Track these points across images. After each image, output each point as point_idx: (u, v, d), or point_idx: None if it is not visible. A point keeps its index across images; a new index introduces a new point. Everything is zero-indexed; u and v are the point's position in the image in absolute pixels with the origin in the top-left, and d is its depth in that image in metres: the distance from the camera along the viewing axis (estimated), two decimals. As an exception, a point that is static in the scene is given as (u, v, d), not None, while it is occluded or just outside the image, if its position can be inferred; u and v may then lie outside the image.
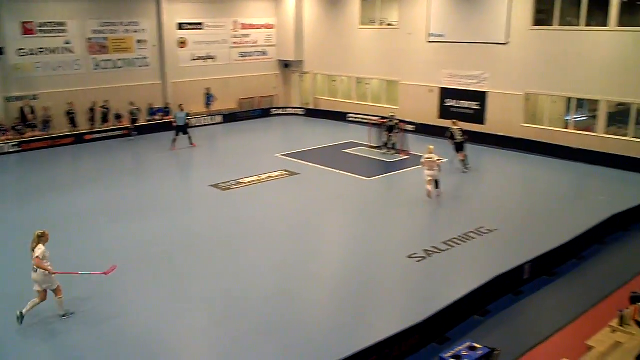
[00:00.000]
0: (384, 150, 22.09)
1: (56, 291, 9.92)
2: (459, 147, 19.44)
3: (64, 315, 10.03)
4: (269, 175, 18.99)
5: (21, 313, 9.71)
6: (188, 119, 23.78)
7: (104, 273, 10.68)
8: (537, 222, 14.71)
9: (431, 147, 16.27)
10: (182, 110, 23.65)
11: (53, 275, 9.79)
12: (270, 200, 16.81)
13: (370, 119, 24.82)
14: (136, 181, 19.15)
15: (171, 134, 23.41)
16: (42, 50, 24.82)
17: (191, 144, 23.43)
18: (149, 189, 18.01)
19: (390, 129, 22.16)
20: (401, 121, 22.91)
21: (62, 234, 13.99)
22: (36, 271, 9.66)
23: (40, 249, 9.65)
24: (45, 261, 9.67)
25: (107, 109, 25.63)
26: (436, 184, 16.34)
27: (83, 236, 13.93)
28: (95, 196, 17.10)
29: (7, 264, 12.37)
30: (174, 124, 23.60)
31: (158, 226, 14.56)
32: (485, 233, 13.72)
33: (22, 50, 24.35)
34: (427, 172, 16.17)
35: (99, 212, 15.68)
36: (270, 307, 10.47)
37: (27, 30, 24.38)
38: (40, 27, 24.68)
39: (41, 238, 9.78)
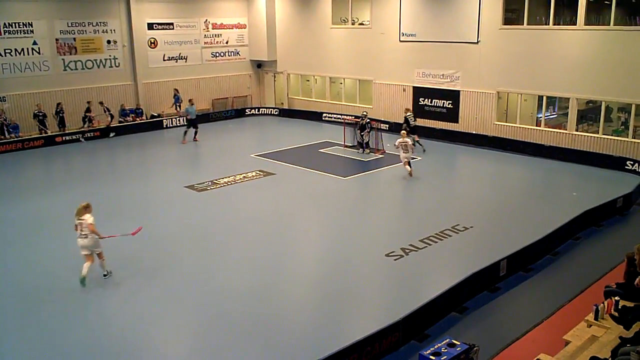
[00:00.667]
0: (360, 150, 22.11)
1: (100, 254, 11.24)
2: (413, 131, 21.68)
3: (105, 275, 11.39)
4: (244, 176, 18.86)
5: (83, 277, 10.88)
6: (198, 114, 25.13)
7: (132, 234, 11.88)
8: (512, 219, 14.88)
9: (404, 132, 19.34)
10: (192, 104, 24.59)
11: (100, 240, 10.99)
12: (246, 200, 16.68)
13: (344, 118, 24.85)
14: (108, 183, 18.77)
15: (143, 135, 23.13)
16: (8, 51, 24.27)
17: (195, 139, 24.33)
18: (122, 191, 17.70)
19: (363, 128, 22.21)
20: (374, 120, 22.95)
21: (32, 237, 13.80)
22: (87, 237, 10.92)
23: (92, 217, 10.93)
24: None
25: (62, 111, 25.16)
26: (409, 164, 18.54)
27: (53, 239, 13.66)
28: (66, 199, 16.76)
29: None
30: (187, 118, 24.60)
31: (133, 226, 14.30)
32: (461, 230, 13.82)
33: (-13, 52, 23.81)
34: (402, 155, 18.52)
35: (68, 215, 15.38)
36: (249, 307, 10.38)
37: (-8, 31, 23.84)
38: (6, 27, 24.11)
39: (87, 209, 11.04)
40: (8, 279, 11.78)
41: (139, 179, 19.35)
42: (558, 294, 10.68)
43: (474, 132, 23.29)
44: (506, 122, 23.21)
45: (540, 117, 22.39)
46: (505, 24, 22.49)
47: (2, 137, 23.41)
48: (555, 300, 10.40)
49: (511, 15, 22.63)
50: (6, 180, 19.36)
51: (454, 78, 24.29)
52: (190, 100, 24.90)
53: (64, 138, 24.48)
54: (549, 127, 22.08)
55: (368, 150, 22.00)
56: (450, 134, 23.85)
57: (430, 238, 13.33)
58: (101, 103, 25.67)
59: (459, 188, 18.39)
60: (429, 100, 25.32)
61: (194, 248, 13.22)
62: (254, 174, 19.15)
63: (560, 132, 21.55)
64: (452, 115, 24.54)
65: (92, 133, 25.25)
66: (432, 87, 25.08)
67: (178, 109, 28.51)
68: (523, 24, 22.01)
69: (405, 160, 18.51)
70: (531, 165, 20.29)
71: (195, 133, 24.39)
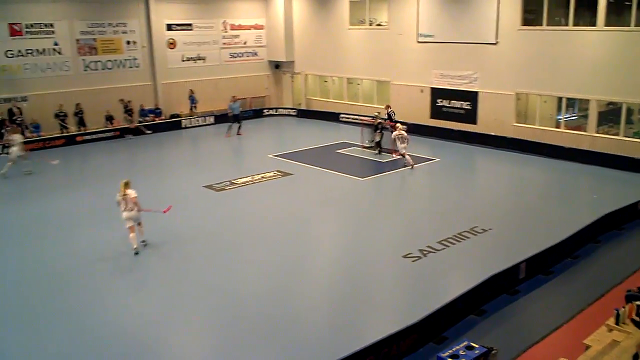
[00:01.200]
0: (376, 151, 22.09)
1: (140, 224, 12.90)
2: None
3: (143, 241, 13.00)
4: (262, 176, 18.93)
5: (136, 248, 12.59)
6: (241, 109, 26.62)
7: (163, 211, 13.32)
8: (531, 221, 14.76)
9: (399, 125, 20.33)
10: (234, 101, 26.09)
11: (140, 212, 12.66)
12: (264, 201, 16.74)
13: (361, 119, 24.84)
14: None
15: (162, 135, 23.31)
16: (30, 51, 24.63)
17: (239, 133, 25.77)
18: (141, 190, 17.76)
19: (375, 129, 22.19)
20: (386, 119, 22.95)
21: (63, 232, 14.05)
22: (132, 210, 12.50)
23: (134, 192, 12.58)
24: None
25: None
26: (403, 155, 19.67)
27: (78, 235, 13.93)
28: (86, 196, 17.06)
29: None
30: (229, 114, 25.94)
31: (153, 227, 14.47)
32: (479, 232, 13.74)
33: (10, 52, 24.15)
34: (401, 146, 19.57)
35: (87, 213, 15.64)
36: (266, 308, 10.42)
37: (14, 32, 24.20)
38: (28, 28, 24.48)
39: (128, 185, 12.63)
40: (42, 268, 12.08)
41: (159, 177, 19.49)
42: (578, 298, 10.59)
43: (492, 134, 23.13)
44: (525, 123, 23.03)
45: (560, 119, 22.18)
46: (524, 25, 22.31)
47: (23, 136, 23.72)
48: (576, 304, 10.31)
49: (530, 16, 22.44)
50: (30, 178, 19.65)
51: (472, 79, 24.16)
52: (233, 97, 26.27)
53: (84, 137, 24.75)
54: (568, 129, 21.87)
55: (380, 151, 21.95)
56: (468, 135, 23.70)
57: (449, 240, 13.27)
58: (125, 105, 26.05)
59: (477, 190, 18.30)
60: (447, 101, 25.22)
61: (211, 248, 13.31)
62: (271, 174, 19.22)
63: (580, 134, 21.32)
64: (470, 116, 24.41)
65: (113, 132, 25.56)
66: (450, 88, 24.97)
67: (193, 109, 28.68)
68: (542, 25, 21.83)
69: (404, 152, 19.49)
70: (551, 167, 20.10)
71: (239, 128, 25.78)
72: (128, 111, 26.18)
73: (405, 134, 19.85)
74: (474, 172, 21.09)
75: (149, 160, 22.62)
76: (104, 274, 11.93)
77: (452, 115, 25.01)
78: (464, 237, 13.45)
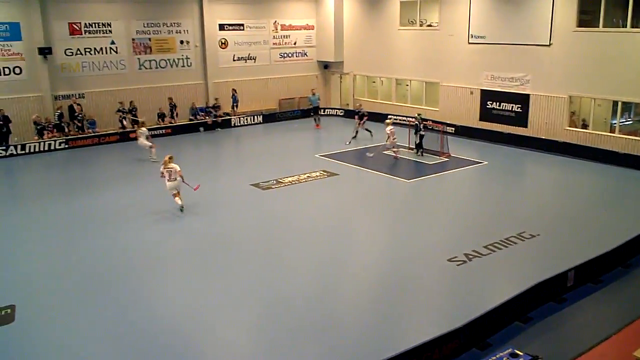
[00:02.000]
0: (417, 152, 22.00)
1: (179, 192, 15.49)
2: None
3: (182, 207, 15.49)
4: (308, 176, 19.10)
5: (182, 206, 15.45)
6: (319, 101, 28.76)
7: (194, 189, 15.66)
8: (582, 228, 14.41)
9: (389, 120, 21.88)
10: (314, 94, 28.45)
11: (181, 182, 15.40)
12: (309, 200, 16.90)
13: (409, 121, 24.71)
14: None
15: (213, 133, 23.70)
16: (88, 50, 25.54)
17: (317, 125, 27.40)
18: (188, 189, 18.21)
19: (416, 129, 22.06)
20: (439, 123, 22.74)
21: (108, 226, 14.52)
22: (175, 180, 15.22)
23: (178, 166, 15.31)
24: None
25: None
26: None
27: (128, 230, 14.38)
28: (135, 191, 17.61)
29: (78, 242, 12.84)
30: (309, 106, 28.47)
31: (200, 224, 14.86)
32: (527, 238, 13.51)
33: (69, 50, 25.12)
34: (393, 140, 21.02)
35: (137, 208, 16.15)
36: (308, 308, 10.52)
37: (74, 31, 25.16)
38: (86, 27, 25.39)
39: (172, 159, 15.37)
40: (95, 260, 12.51)
41: (207, 174, 19.87)
42: (629, 308, 10.31)
43: (543, 137, 22.65)
44: (578, 127, 22.46)
45: (615, 123, 21.53)
46: (579, 26, 21.76)
47: (81, 132, 24.65)
48: (626, 315, 10.03)
49: (586, 17, 21.86)
50: (87, 173, 20.46)
51: (524, 81, 23.72)
52: (312, 90, 28.80)
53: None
54: (623, 134, 21.21)
55: (421, 152, 21.82)
56: (519, 138, 23.27)
57: (495, 244, 13.10)
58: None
59: (526, 194, 17.96)
60: (497, 103, 24.83)
61: (254, 246, 13.51)
62: (317, 174, 19.36)
63: (635, 139, 20.65)
64: (521, 119, 23.97)
65: (164, 130, 26.20)
66: (500, 91, 24.58)
67: (235, 108, 29.07)
68: (598, 27, 21.23)
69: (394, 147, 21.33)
70: (604, 172, 19.55)
71: (318, 119, 27.58)
72: (173, 108, 26.85)
73: (393, 128, 21.48)
74: (522, 176, 20.70)
75: (197, 157, 23.09)
76: (161, 268, 12.33)
77: (502, 118, 24.62)
78: (510, 243, 13.25)
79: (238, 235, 14.16)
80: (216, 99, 28.46)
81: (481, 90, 25.34)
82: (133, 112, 25.72)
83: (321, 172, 19.57)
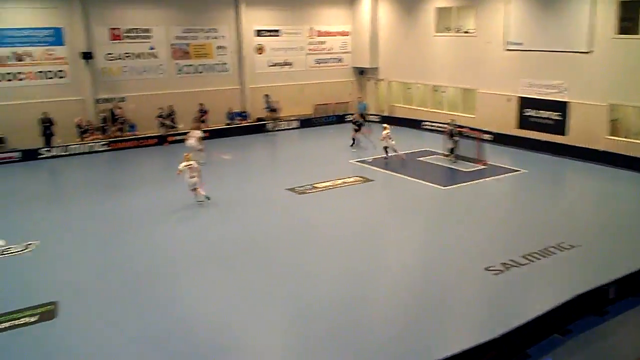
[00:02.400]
0: (451, 158, 21.87)
1: (198, 188, 16.52)
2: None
3: (203, 200, 16.68)
4: (343, 181, 19.15)
5: (205, 195, 16.65)
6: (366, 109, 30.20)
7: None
8: (624, 239, 14.08)
9: (386, 125, 22.53)
10: (361, 101, 30.19)
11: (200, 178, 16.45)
12: (344, 206, 16.94)
13: (445, 128, 24.56)
14: (215, 181, 19.46)
15: (248, 137, 24.28)
16: (128, 55, 26.14)
17: (367, 130, 26.29)
18: (226, 189, 18.54)
19: (450, 136, 21.91)
20: (476, 130, 22.54)
21: (146, 226, 14.82)
22: (195, 177, 16.29)
23: (197, 163, 16.61)
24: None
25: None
26: (385, 150, 21.83)
27: (161, 229, 14.69)
28: (172, 193, 17.88)
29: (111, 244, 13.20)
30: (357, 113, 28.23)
31: (235, 226, 15.05)
32: (567, 248, 13.29)
33: (110, 55, 25.74)
34: (391, 143, 21.57)
35: (174, 209, 16.49)
36: (341, 314, 10.51)
37: (114, 36, 25.77)
38: (127, 33, 25.98)
39: (188, 156, 16.62)
40: (133, 259, 12.82)
41: (245, 178, 20.14)
42: (673, 323, 10.08)
43: (582, 146, 22.24)
44: (620, 136, 21.99)
45: (657, 133, 21.03)
46: (620, 33, 21.33)
47: (121, 134, 25.24)
48: (669, 330, 9.83)
49: (627, 24, 21.41)
50: (126, 174, 20.98)
51: (562, 89, 23.34)
52: (359, 98, 30.90)
53: (175, 137, 25.87)
54: (667, 144, 20.71)
55: (455, 158, 21.69)
56: (557, 146, 22.91)
57: (533, 254, 12.93)
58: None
59: (566, 203, 17.65)
60: (535, 111, 24.49)
61: (289, 251, 13.60)
62: (353, 179, 19.39)
63: (679, 149, 20.16)
64: (559, 127, 23.58)
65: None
66: (538, 98, 24.25)
67: (268, 113, 29.17)
68: (639, 34, 20.79)
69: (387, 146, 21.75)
70: (646, 183, 19.12)
71: (364, 125, 26.65)
72: (202, 114, 27.10)
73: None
74: (561, 185, 20.37)
75: (233, 161, 23.34)
76: (196, 269, 12.54)
77: (540, 126, 24.27)
78: (549, 253, 13.06)
79: (271, 239, 14.28)
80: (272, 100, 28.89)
81: (518, 97, 25.03)
82: (172, 117, 26.16)
83: (357, 177, 19.60)
